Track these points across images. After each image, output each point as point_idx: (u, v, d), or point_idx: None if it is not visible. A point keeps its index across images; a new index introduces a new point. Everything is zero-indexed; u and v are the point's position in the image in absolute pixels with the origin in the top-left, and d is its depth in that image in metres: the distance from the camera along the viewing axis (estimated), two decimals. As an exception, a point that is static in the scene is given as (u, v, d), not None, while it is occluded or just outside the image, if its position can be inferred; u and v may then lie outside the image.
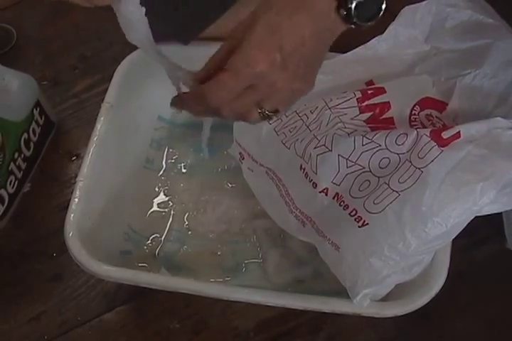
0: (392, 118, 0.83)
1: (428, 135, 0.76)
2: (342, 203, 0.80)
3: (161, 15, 0.93)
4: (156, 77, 1.01)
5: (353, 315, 0.81)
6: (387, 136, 0.78)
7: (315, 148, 0.82)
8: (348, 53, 0.90)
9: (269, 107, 0.71)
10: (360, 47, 0.89)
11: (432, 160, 0.74)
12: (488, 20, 0.86)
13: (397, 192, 0.75)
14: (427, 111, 0.83)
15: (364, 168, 0.79)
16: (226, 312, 1.00)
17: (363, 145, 0.79)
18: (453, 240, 0.79)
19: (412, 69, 0.88)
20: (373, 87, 0.85)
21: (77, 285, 1.05)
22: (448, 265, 0.81)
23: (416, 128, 0.78)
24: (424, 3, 0.86)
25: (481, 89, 0.83)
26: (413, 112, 0.83)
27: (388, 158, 0.78)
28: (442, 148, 0.74)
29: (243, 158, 0.94)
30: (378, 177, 0.78)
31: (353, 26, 0.69)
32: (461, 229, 0.74)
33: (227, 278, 0.97)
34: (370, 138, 0.79)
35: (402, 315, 0.80)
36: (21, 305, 1.03)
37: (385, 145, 0.78)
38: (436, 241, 0.74)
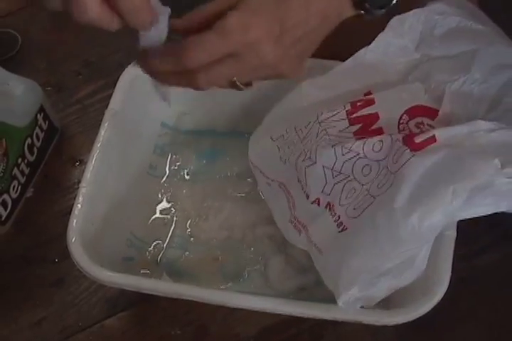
0: (381, 128, 0.83)
1: (400, 140, 0.77)
2: (333, 212, 0.81)
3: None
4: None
5: (354, 322, 0.81)
6: (365, 144, 0.79)
7: (303, 160, 0.84)
8: (338, 67, 0.90)
9: (244, 80, 0.67)
10: (348, 59, 0.89)
11: (403, 164, 0.75)
12: (476, 26, 0.86)
13: (373, 197, 0.76)
14: (418, 119, 0.83)
15: (349, 176, 0.80)
16: (227, 318, 1.00)
17: (343, 154, 0.80)
18: (454, 248, 0.79)
19: (406, 78, 0.88)
20: (364, 98, 0.85)
21: (78, 290, 1.05)
22: (450, 273, 0.81)
23: (390, 134, 0.79)
24: (412, 12, 0.86)
25: (472, 95, 0.83)
26: (401, 121, 0.84)
27: (369, 165, 0.79)
28: (414, 152, 0.75)
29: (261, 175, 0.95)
30: (362, 185, 0.79)
31: (362, 12, 0.67)
32: (437, 231, 0.74)
33: (229, 285, 0.97)
34: (349, 147, 0.80)
35: (403, 323, 0.80)
36: (22, 311, 1.03)
37: (364, 154, 0.79)
38: (411, 244, 0.74)
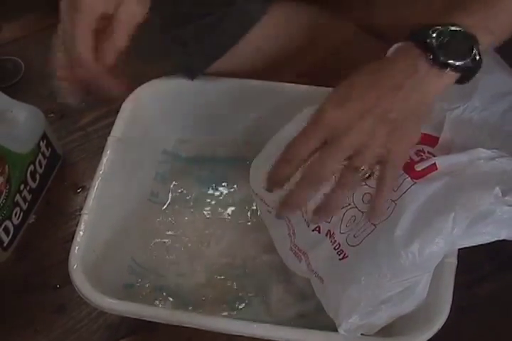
0: None
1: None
2: (332, 239, 0.82)
3: (169, 51, 0.94)
4: (161, 111, 1.03)
5: (355, 350, 0.81)
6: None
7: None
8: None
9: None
10: None
11: (404, 192, 0.75)
12: None
13: (374, 225, 0.77)
14: (419, 147, 0.83)
15: (350, 204, 0.81)
16: (228, 346, 0.99)
17: None
18: (455, 276, 0.80)
19: None
20: None
21: (79, 317, 1.05)
22: (450, 301, 0.80)
23: None
24: None
25: (472, 122, 0.83)
26: None
27: (369, 193, 0.79)
28: (415, 180, 0.76)
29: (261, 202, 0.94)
30: (362, 212, 0.79)
31: (454, 73, 0.69)
32: (438, 260, 0.75)
33: (229, 312, 0.96)
34: None
35: (404, 351, 0.80)
36: (23, 337, 1.03)
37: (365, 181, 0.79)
38: (413, 272, 0.75)
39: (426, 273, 0.76)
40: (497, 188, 0.72)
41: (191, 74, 0.98)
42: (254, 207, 1.04)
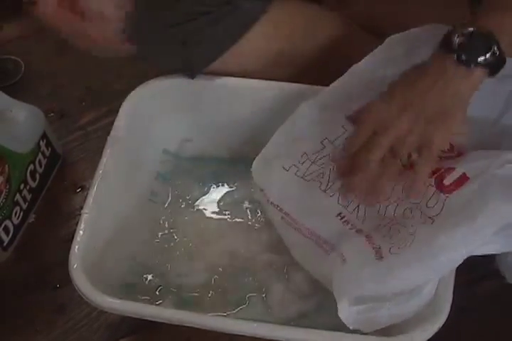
0: None
1: (433, 185, 0.81)
2: (370, 240, 0.84)
3: (169, 50, 0.94)
4: (161, 111, 1.02)
5: (354, 349, 0.81)
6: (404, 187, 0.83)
7: None
8: (333, 85, 0.91)
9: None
10: (342, 76, 0.91)
11: (442, 208, 0.79)
12: None
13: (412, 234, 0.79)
14: None
15: (392, 220, 0.84)
16: (229, 345, 0.99)
17: None
18: (455, 276, 0.80)
19: None
20: None
21: (79, 316, 1.05)
22: (451, 301, 0.81)
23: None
24: (407, 31, 0.88)
25: (482, 105, 0.85)
26: None
27: (410, 208, 0.83)
28: (447, 195, 0.79)
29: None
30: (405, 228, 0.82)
31: (482, 69, 0.76)
32: (455, 266, 0.77)
33: (230, 312, 0.96)
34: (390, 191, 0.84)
35: (404, 350, 0.80)
36: (24, 337, 1.03)
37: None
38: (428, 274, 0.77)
39: (438, 276, 0.78)
40: None
41: (191, 73, 0.98)
42: (255, 207, 1.05)
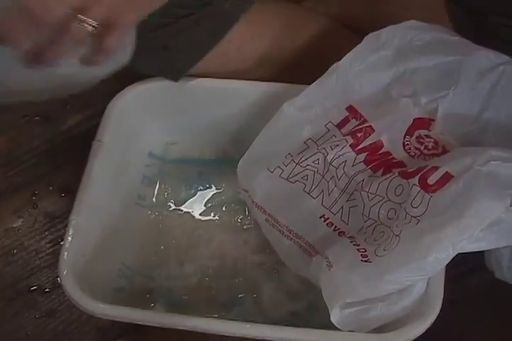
0: (388, 151, 0.86)
1: (417, 184, 0.79)
2: (354, 241, 0.83)
3: (150, 54, 0.94)
4: (146, 114, 1.02)
5: (349, 347, 0.82)
6: (388, 187, 0.82)
7: (347, 201, 0.87)
8: (313, 84, 0.91)
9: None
10: (323, 75, 0.90)
11: (419, 206, 0.78)
12: (453, 37, 0.88)
13: (398, 236, 0.78)
14: (416, 133, 0.85)
15: (376, 221, 0.83)
16: (221, 347, 1.00)
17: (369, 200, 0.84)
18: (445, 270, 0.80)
19: (387, 91, 0.89)
20: (361, 126, 0.87)
21: (70, 320, 1.05)
22: (442, 295, 0.81)
23: (407, 179, 0.81)
24: (386, 28, 0.87)
25: (462, 102, 0.85)
26: (405, 143, 0.86)
27: (394, 209, 0.82)
28: (431, 194, 0.77)
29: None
30: (390, 228, 0.81)
31: None
32: (443, 265, 0.76)
33: (222, 313, 0.97)
34: (374, 192, 0.83)
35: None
36: (15, 341, 1.03)
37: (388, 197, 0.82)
38: (418, 274, 0.77)
39: (428, 276, 0.78)
40: (508, 199, 0.74)
41: (175, 75, 0.98)
42: (242, 208, 1.05)
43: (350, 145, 0.86)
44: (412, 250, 0.75)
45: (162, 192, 1.08)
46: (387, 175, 0.83)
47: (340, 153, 0.86)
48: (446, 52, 0.86)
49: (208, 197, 1.07)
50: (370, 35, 0.88)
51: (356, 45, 0.89)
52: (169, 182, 1.09)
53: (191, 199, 1.07)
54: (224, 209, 1.06)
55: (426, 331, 0.80)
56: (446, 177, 0.77)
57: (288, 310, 0.96)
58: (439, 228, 0.74)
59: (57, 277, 0.85)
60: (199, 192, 1.08)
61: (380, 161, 0.86)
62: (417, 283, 0.78)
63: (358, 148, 0.86)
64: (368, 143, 0.86)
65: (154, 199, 1.07)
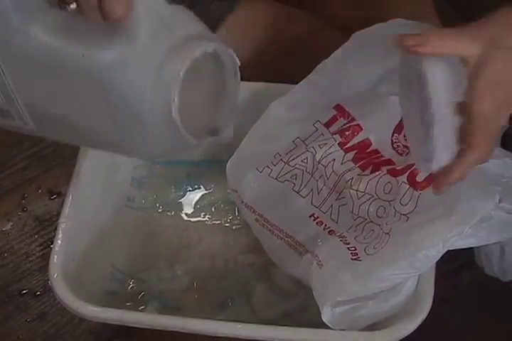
0: (376, 149, 0.86)
1: (406, 182, 0.79)
2: (345, 241, 0.83)
3: None
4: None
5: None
6: (377, 185, 0.83)
7: (336, 200, 0.87)
8: (301, 83, 0.91)
9: None
10: (310, 74, 0.90)
11: (407, 204, 0.79)
12: None
13: (388, 234, 0.79)
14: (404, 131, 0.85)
15: (366, 219, 0.84)
16: (213, 347, 0.99)
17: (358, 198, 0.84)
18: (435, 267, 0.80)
19: (376, 89, 0.89)
20: (349, 125, 0.87)
21: (61, 323, 1.05)
22: (432, 292, 0.81)
23: (396, 177, 0.81)
24: (374, 26, 0.87)
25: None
26: (394, 140, 0.86)
27: (383, 206, 0.82)
28: (420, 191, 0.78)
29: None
30: (379, 226, 0.82)
31: None
32: (433, 262, 0.77)
33: (213, 314, 0.96)
34: (363, 190, 0.83)
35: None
36: (7, 345, 1.03)
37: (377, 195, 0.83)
38: (408, 270, 0.77)
39: (418, 273, 0.78)
40: (497, 196, 0.74)
41: None
42: (232, 208, 1.05)
43: (338, 144, 0.87)
44: (401, 247, 0.76)
45: (151, 194, 1.08)
46: (376, 173, 0.84)
47: (328, 151, 0.87)
48: None
49: (197, 198, 1.07)
50: (358, 33, 0.88)
51: (343, 39, 0.89)
52: (158, 184, 1.08)
53: (180, 201, 1.07)
54: (213, 209, 1.06)
55: (417, 328, 0.80)
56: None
57: (280, 310, 0.96)
58: (428, 225, 0.75)
59: (48, 280, 0.84)
60: (188, 193, 1.08)
61: (368, 159, 0.86)
62: (408, 281, 0.79)
63: (346, 146, 0.87)
64: (356, 142, 0.87)
65: (143, 201, 1.07)
